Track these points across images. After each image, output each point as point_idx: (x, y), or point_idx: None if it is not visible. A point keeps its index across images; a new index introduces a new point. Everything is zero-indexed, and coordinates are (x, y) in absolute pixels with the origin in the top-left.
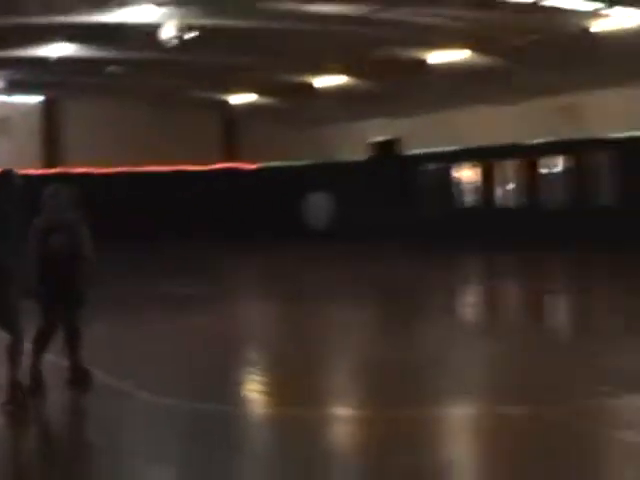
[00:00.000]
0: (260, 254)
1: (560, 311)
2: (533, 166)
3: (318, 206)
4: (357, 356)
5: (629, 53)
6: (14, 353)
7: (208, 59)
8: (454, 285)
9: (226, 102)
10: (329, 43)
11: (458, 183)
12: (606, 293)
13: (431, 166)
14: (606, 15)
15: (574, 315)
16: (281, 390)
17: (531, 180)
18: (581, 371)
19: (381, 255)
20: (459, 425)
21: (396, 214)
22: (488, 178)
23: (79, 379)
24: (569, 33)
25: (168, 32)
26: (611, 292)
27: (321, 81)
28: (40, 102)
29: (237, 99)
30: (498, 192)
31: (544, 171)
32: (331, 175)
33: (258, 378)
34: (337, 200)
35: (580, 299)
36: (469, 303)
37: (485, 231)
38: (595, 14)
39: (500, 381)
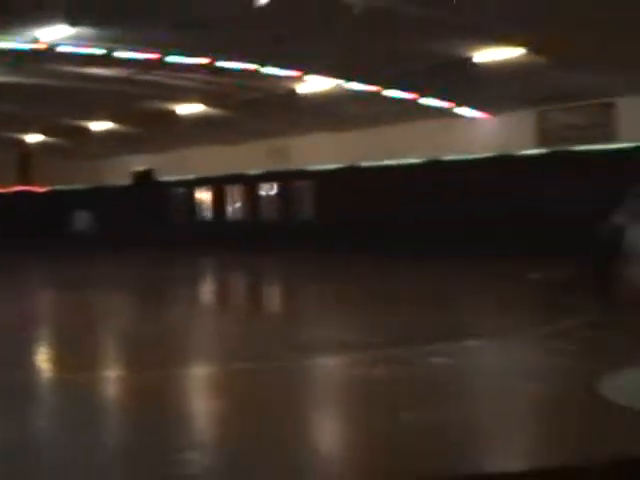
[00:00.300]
0: (45, 256)
1: (269, 297)
2: (254, 190)
3: (87, 218)
4: (120, 331)
5: (322, 108)
6: None
7: (8, 108)
8: (194, 278)
9: (23, 140)
10: (101, 97)
11: (199, 202)
12: (300, 282)
13: (179, 189)
14: (306, 80)
15: (278, 300)
16: (63, 359)
17: (252, 200)
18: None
19: (140, 257)
20: (196, 380)
21: (152, 225)
22: (221, 199)
23: None
24: (281, 93)
25: None
26: (306, 282)
27: (96, 125)
28: None
29: (31, 138)
30: (229, 209)
31: (262, 194)
32: (102, 196)
33: (47, 350)
34: (105, 214)
35: (280, 288)
36: (206, 291)
37: (219, 238)
38: (299, 79)
39: (221, 348)
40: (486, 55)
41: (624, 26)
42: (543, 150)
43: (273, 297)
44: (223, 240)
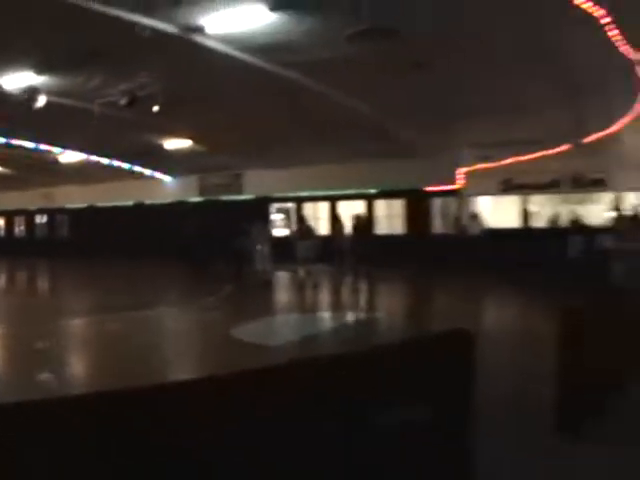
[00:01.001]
0: None
1: (39, 286)
2: (32, 219)
3: None
4: None
5: (75, 170)
6: None
7: None
8: None
9: None
10: None
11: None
12: (59, 276)
13: None
14: (65, 153)
15: (46, 287)
16: None
17: (31, 225)
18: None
19: None
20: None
21: None
22: (11, 224)
23: None
24: (50, 160)
25: None
26: (63, 276)
27: None
28: None
29: None
30: (16, 230)
31: (37, 221)
32: None
33: None
34: None
35: (47, 280)
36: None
37: (9, 249)
38: (62, 153)
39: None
40: (171, 143)
41: (247, 130)
42: (202, 198)
43: (42, 285)
44: (12, 250)
